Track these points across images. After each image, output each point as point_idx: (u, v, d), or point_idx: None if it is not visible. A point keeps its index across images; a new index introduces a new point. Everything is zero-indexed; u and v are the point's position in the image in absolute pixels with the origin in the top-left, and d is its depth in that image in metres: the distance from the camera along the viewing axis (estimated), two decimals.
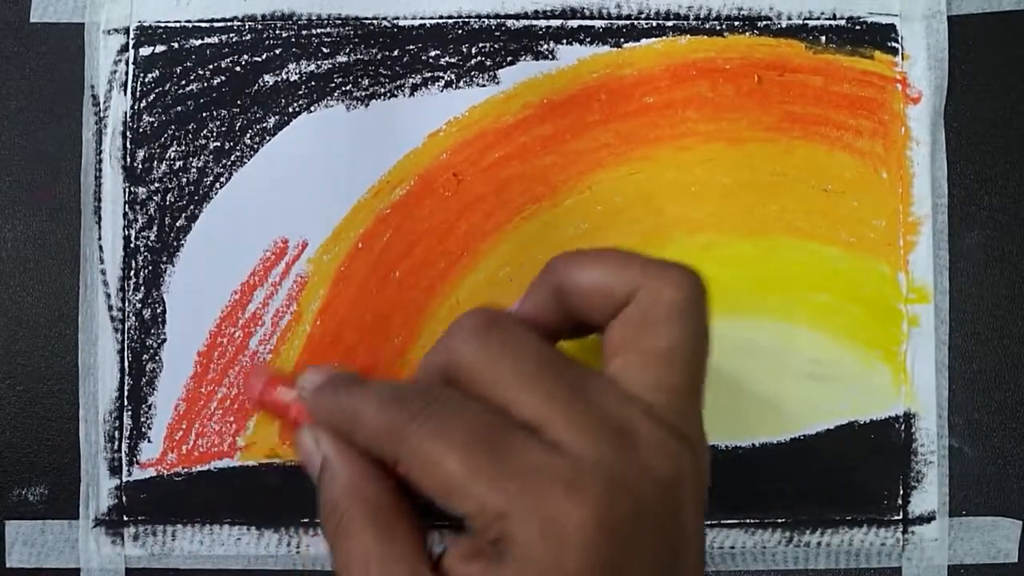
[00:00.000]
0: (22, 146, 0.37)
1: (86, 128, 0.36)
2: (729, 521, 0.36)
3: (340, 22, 0.36)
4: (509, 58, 0.36)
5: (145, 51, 0.36)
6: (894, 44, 0.37)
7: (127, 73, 0.36)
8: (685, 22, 0.37)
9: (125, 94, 0.36)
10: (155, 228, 0.36)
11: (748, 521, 0.36)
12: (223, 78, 0.36)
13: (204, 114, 0.36)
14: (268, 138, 0.36)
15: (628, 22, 0.37)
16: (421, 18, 0.36)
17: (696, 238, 0.36)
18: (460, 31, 0.36)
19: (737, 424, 0.36)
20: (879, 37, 0.37)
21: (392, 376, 0.36)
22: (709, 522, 0.36)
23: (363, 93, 0.36)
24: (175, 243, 0.36)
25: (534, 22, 0.36)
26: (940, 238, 0.37)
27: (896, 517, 0.36)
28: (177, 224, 0.36)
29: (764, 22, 0.37)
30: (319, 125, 0.36)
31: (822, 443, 0.36)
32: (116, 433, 0.36)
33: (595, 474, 0.21)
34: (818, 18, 0.37)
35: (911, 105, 0.37)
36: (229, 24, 0.36)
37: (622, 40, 0.36)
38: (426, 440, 0.22)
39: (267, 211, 0.36)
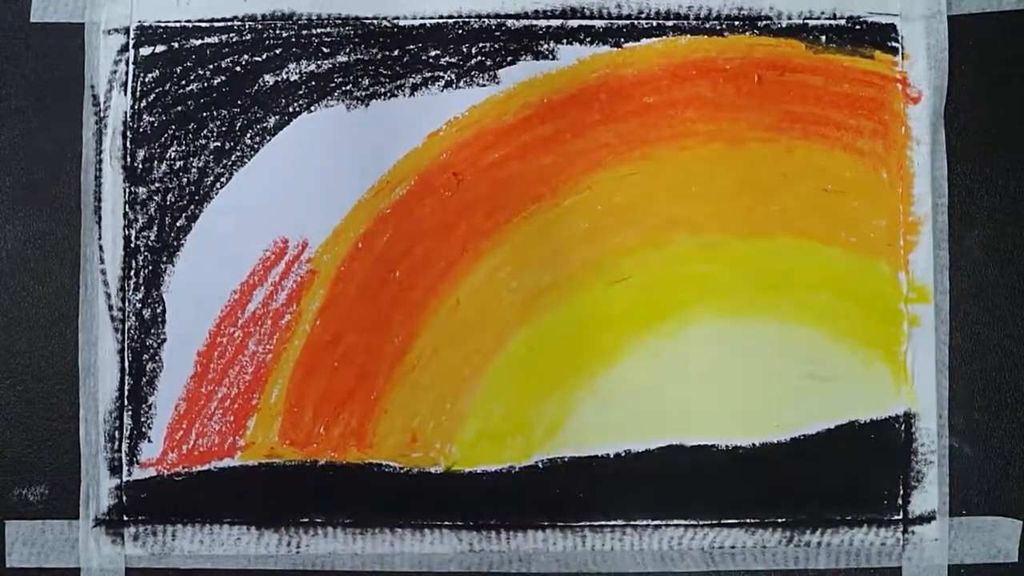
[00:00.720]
0: (22, 146, 0.37)
1: (86, 128, 0.36)
2: (729, 521, 0.36)
3: (340, 22, 0.36)
4: (509, 58, 0.36)
5: (145, 51, 0.36)
6: (894, 44, 0.37)
7: (127, 73, 0.36)
8: (685, 22, 0.37)
9: (125, 94, 0.36)
10: (155, 228, 0.36)
11: (748, 521, 0.36)
12: (223, 78, 0.36)
13: (204, 114, 0.36)
14: (268, 138, 0.36)
15: (628, 22, 0.37)
16: (421, 18, 0.36)
17: (696, 238, 0.36)
18: (460, 31, 0.36)
19: (737, 424, 0.36)
20: (879, 37, 0.37)
21: (392, 375, 0.36)
22: (709, 522, 0.36)
23: (363, 93, 0.36)
24: (175, 243, 0.36)
25: (534, 22, 0.36)
26: (940, 238, 0.37)
27: (896, 517, 0.36)
28: (177, 224, 0.36)
29: (764, 22, 0.37)
30: (319, 125, 0.36)
31: (822, 443, 0.36)
32: (116, 433, 0.36)
33: None
34: (818, 18, 0.37)
35: (911, 105, 0.37)
36: (229, 24, 0.36)
37: (622, 40, 0.37)
38: None
39: (267, 211, 0.36)
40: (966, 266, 0.37)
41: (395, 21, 0.36)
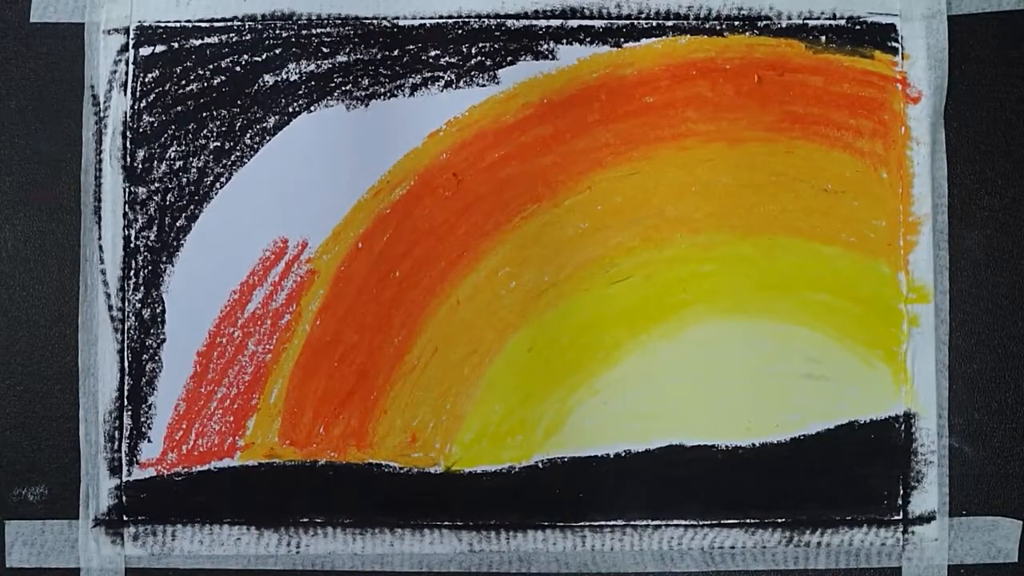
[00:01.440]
0: (22, 146, 0.37)
1: (86, 128, 0.36)
2: (729, 521, 0.36)
3: (340, 22, 0.36)
4: (509, 58, 0.36)
5: (145, 51, 0.36)
6: (894, 44, 0.37)
7: (127, 73, 0.36)
8: (685, 22, 0.37)
9: (125, 94, 0.36)
10: (155, 228, 0.36)
11: (748, 521, 0.36)
12: (223, 78, 0.36)
13: (204, 114, 0.36)
14: (268, 138, 0.36)
15: (628, 22, 0.37)
16: (421, 18, 0.36)
17: (696, 238, 0.36)
18: (460, 31, 0.36)
19: (737, 424, 0.36)
20: (879, 37, 0.37)
21: (392, 375, 0.36)
22: (709, 522, 0.36)
23: (363, 93, 0.36)
24: (175, 243, 0.36)
25: (534, 22, 0.36)
26: (940, 238, 0.37)
27: (896, 517, 0.36)
28: (177, 224, 0.36)
29: (764, 22, 0.37)
30: (319, 125, 0.36)
31: (822, 443, 0.36)
32: (116, 433, 0.36)
33: None
34: (818, 18, 0.37)
35: (911, 105, 0.37)
36: (229, 24, 0.36)
37: (622, 40, 0.37)
38: None
39: (267, 211, 0.36)
40: (966, 266, 0.37)
41: (395, 21, 0.36)
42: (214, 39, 0.36)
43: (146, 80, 0.36)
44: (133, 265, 0.36)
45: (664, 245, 0.36)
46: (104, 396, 0.36)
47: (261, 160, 0.36)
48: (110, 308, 0.36)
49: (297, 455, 0.36)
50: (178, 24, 0.36)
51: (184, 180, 0.36)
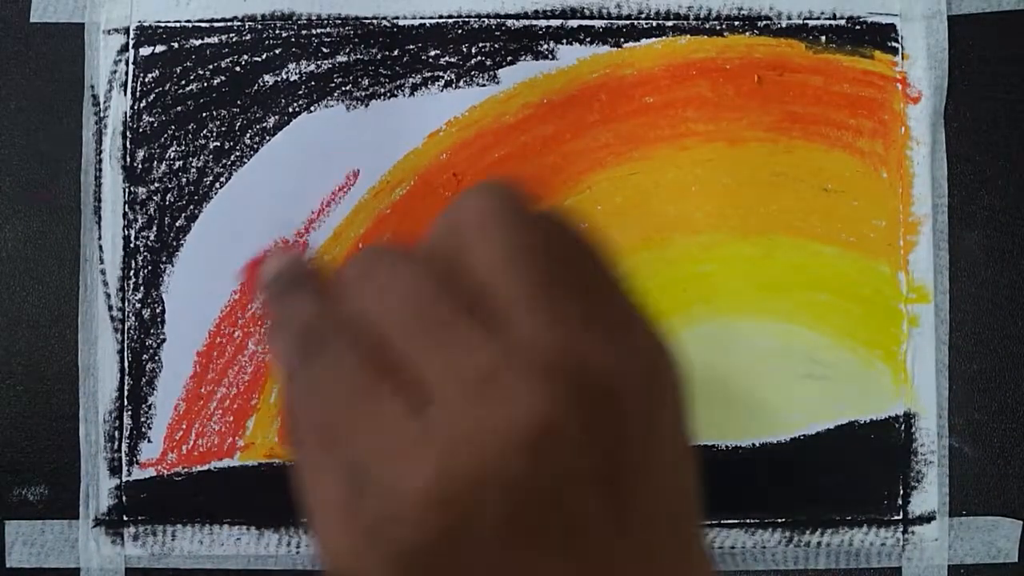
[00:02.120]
0: (22, 146, 0.37)
1: (86, 128, 0.36)
2: (729, 521, 0.36)
3: (340, 22, 0.36)
4: (509, 58, 0.36)
5: (145, 51, 0.36)
6: (894, 44, 0.37)
7: (127, 73, 0.36)
8: (685, 22, 0.37)
9: (125, 94, 0.36)
10: (155, 228, 0.36)
11: (748, 521, 0.36)
12: (223, 78, 0.36)
13: (204, 114, 0.36)
14: (268, 138, 0.36)
15: (628, 22, 0.37)
16: (421, 18, 0.36)
17: (696, 238, 0.36)
18: (460, 31, 0.36)
19: (737, 424, 0.36)
20: (879, 37, 0.37)
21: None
22: (709, 522, 0.36)
23: (363, 93, 0.36)
24: (175, 243, 0.36)
25: (534, 22, 0.36)
26: (940, 238, 0.37)
27: (896, 517, 0.36)
28: (177, 224, 0.36)
29: (764, 22, 0.37)
30: (319, 125, 0.36)
31: (822, 443, 0.36)
32: (116, 433, 0.36)
33: (441, 437, 0.19)
34: (818, 18, 0.37)
35: (911, 105, 0.37)
36: (229, 24, 0.36)
37: (622, 40, 0.36)
38: (300, 389, 0.21)
39: (267, 211, 0.36)
40: (966, 266, 0.37)
41: (395, 21, 0.36)
42: (214, 39, 0.36)
43: (146, 80, 0.36)
44: (133, 265, 0.36)
45: (664, 245, 0.36)
46: (104, 396, 0.36)
47: (261, 160, 0.36)
48: (110, 308, 0.36)
49: None
50: (178, 24, 0.36)
51: (184, 180, 0.36)
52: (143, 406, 0.36)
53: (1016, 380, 0.37)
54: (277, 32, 0.36)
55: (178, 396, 0.36)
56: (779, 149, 0.36)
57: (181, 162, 0.36)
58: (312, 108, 0.36)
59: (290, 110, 0.36)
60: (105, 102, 0.36)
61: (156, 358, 0.36)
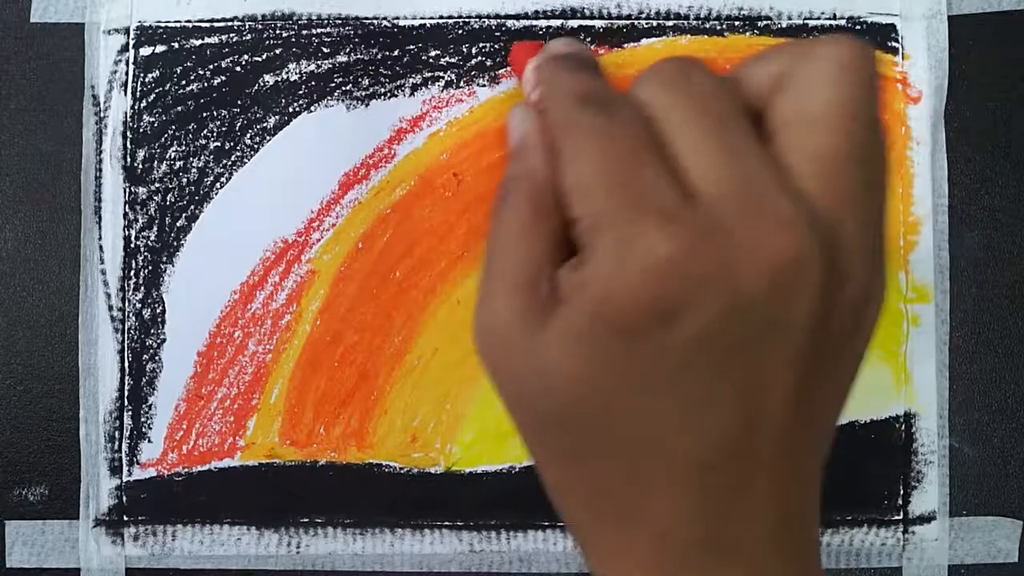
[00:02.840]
0: (22, 146, 0.37)
1: (86, 128, 0.36)
2: None
3: (340, 22, 0.36)
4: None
5: (145, 51, 0.36)
6: (894, 44, 0.37)
7: (127, 73, 0.36)
8: (685, 22, 0.37)
9: (125, 94, 0.36)
10: (155, 228, 0.36)
11: None
12: (223, 78, 0.36)
13: (204, 114, 0.36)
14: (268, 138, 0.36)
15: (628, 22, 0.37)
16: (421, 18, 0.36)
17: None
18: (460, 31, 0.36)
19: None
20: (879, 37, 0.37)
21: (392, 375, 0.36)
22: None
23: (363, 93, 0.36)
24: (175, 243, 0.36)
25: (534, 22, 0.36)
26: (940, 238, 0.37)
27: (896, 517, 0.36)
28: (177, 224, 0.36)
29: (764, 22, 0.37)
30: (319, 125, 0.36)
31: None
32: (116, 433, 0.36)
33: (694, 226, 0.20)
34: (818, 18, 0.37)
35: (911, 105, 0.37)
36: (229, 24, 0.36)
37: (622, 40, 0.36)
38: (583, 138, 0.22)
39: (267, 211, 0.36)
40: (966, 266, 0.37)
41: (395, 21, 0.36)
42: (214, 39, 0.36)
43: (146, 80, 0.36)
44: (133, 265, 0.36)
45: None
46: (104, 396, 0.36)
47: (261, 160, 0.36)
48: (110, 308, 0.36)
49: (297, 455, 0.36)
50: (178, 24, 0.36)
51: (184, 180, 0.36)
52: (143, 406, 0.36)
53: (1016, 380, 0.37)
54: (277, 32, 0.36)
55: (178, 396, 0.36)
56: None
57: (181, 162, 0.36)
58: (312, 108, 0.36)
59: (290, 110, 0.36)
60: (105, 102, 0.36)
61: (156, 358, 0.36)
